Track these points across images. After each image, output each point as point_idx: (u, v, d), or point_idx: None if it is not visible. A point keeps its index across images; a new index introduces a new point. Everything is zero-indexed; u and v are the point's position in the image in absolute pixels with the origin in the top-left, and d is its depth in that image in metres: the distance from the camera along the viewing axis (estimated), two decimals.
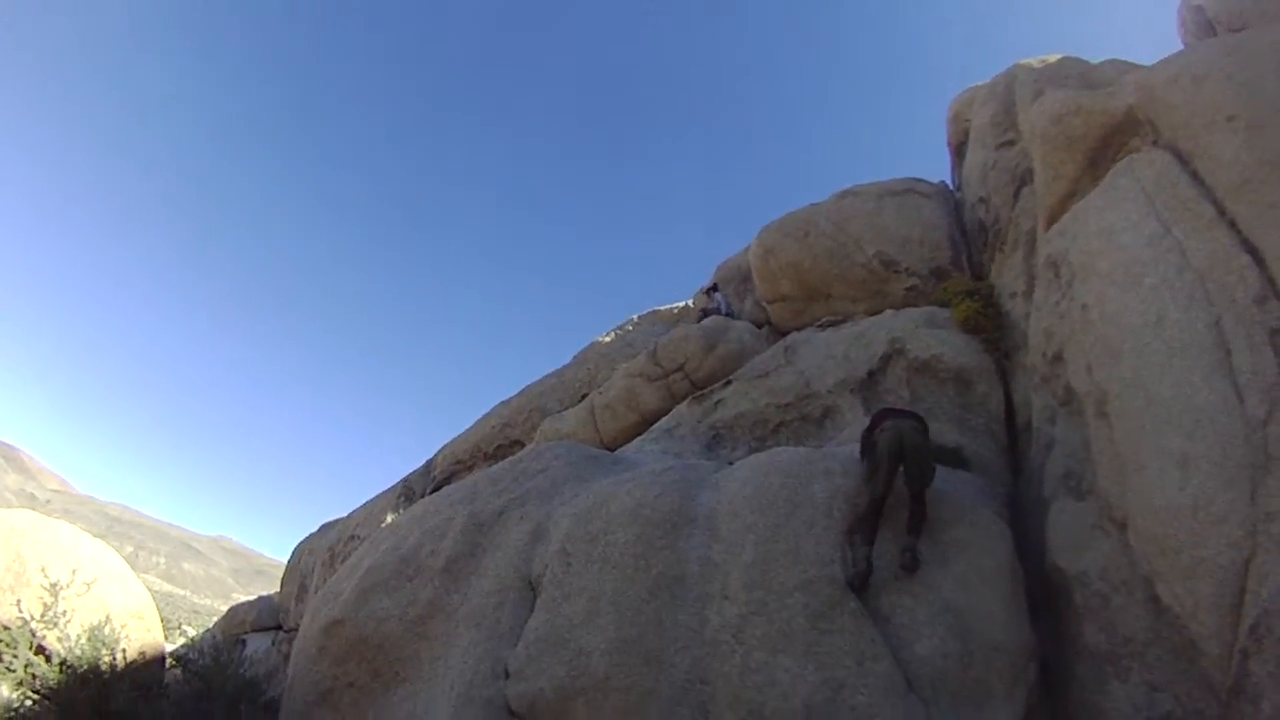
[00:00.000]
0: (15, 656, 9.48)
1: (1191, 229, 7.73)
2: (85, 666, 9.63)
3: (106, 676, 9.65)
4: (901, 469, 8.53)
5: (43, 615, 10.46)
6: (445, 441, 24.35)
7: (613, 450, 15.04)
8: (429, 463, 24.25)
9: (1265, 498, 6.20)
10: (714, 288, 21.93)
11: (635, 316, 26.12)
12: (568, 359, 24.47)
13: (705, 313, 20.61)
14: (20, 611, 10.46)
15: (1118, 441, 7.76)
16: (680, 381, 17.03)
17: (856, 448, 9.68)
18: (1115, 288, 8.36)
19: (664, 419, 15.65)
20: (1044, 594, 8.57)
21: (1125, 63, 12.62)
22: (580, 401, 20.11)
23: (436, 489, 19.98)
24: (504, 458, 16.54)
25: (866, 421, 9.79)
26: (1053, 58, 14.22)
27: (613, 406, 18.01)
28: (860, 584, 8.02)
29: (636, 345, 22.05)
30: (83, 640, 10.02)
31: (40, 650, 10.03)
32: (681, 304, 25.57)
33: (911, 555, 8.17)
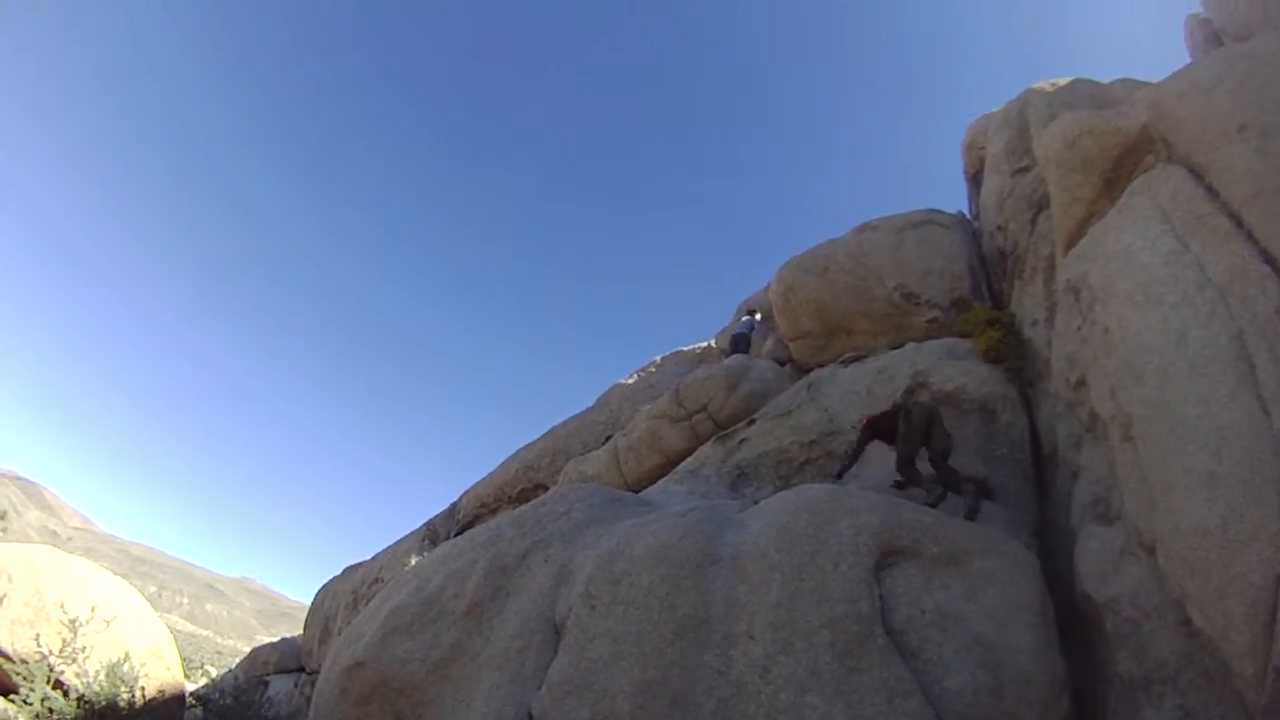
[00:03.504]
0: (33, 690, 9.52)
1: (1209, 243, 7.66)
2: (103, 703, 9.70)
3: (124, 713, 9.70)
4: (927, 447, 10.54)
5: (61, 650, 10.53)
6: (469, 485, 24.42)
7: (637, 492, 14.98)
8: (453, 506, 24.34)
9: None
10: (751, 312, 22.04)
11: (658, 358, 26.14)
12: (591, 402, 24.48)
13: (734, 342, 20.70)
14: (39, 646, 10.54)
15: (1144, 464, 7.63)
16: (704, 422, 16.97)
17: (884, 487, 10.10)
18: (1136, 309, 8.28)
19: (688, 460, 15.56)
20: (1074, 623, 8.43)
21: (1135, 81, 12.63)
22: (604, 444, 20.08)
23: (460, 532, 19.96)
24: (528, 500, 16.49)
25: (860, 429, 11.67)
26: (1064, 80, 14.24)
27: (636, 448, 17.96)
28: (939, 500, 10.04)
29: (659, 386, 22.04)
30: (101, 677, 10.09)
31: (58, 685, 10.12)
32: (704, 344, 25.58)
33: (939, 497, 10.20)
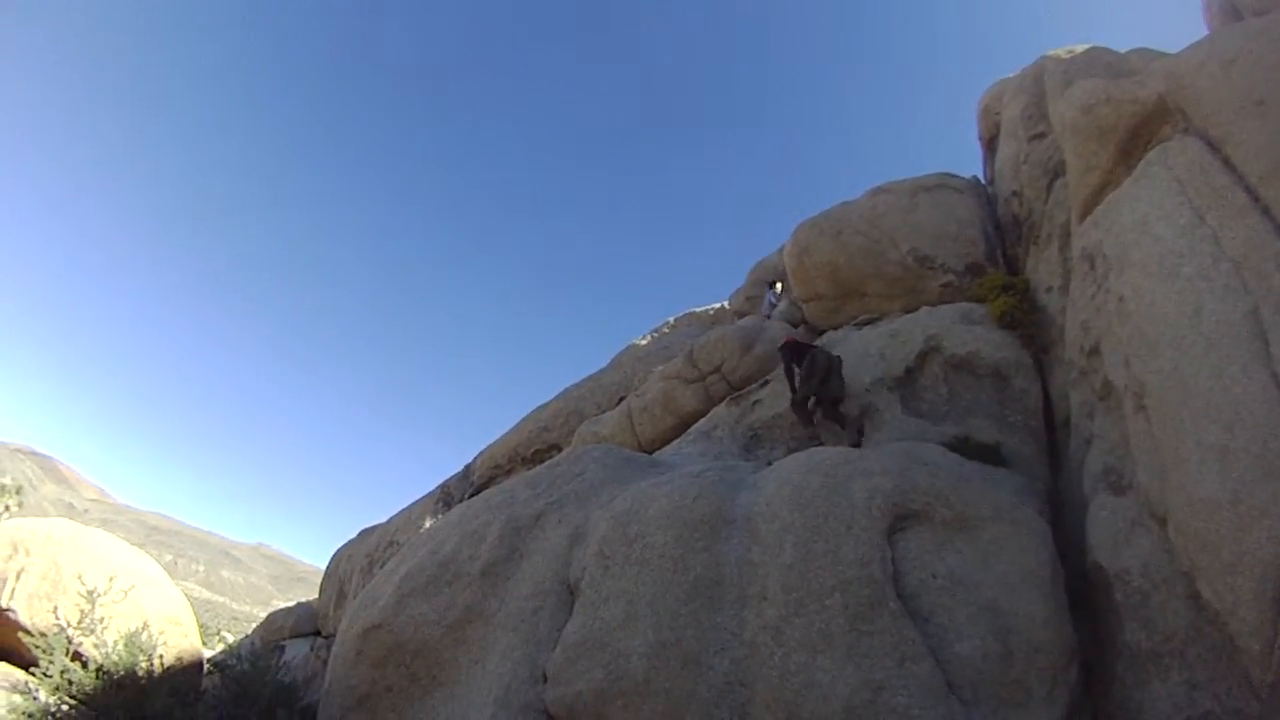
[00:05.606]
0: (52, 662, 9.66)
1: (1225, 217, 7.61)
2: (122, 672, 9.77)
3: (143, 682, 9.78)
4: (823, 385, 12.58)
5: (79, 622, 10.69)
6: (483, 446, 24.48)
7: (650, 453, 15.06)
8: (467, 467, 24.40)
9: None
10: (772, 284, 21.89)
11: (672, 318, 26.15)
12: (605, 362, 24.50)
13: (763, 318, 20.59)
14: (57, 618, 10.70)
15: (1157, 435, 7.64)
16: (717, 383, 17.04)
17: (894, 448, 10.05)
18: (1151, 279, 8.25)
19: (701, 421, 15.63)
20: (1084, 592, 8.47)
21: (1153, 51, 12.50)
22: (618, 404, 20.13)
23: (475, 493, 20.06)
24: (542, 462, 16.58)
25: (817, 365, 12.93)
26: (1080, 48, 14.10)
27: (650, 409, 18.03)
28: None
29: (673, 348, 22.05)
30: (119, 646, 10.17)
31: (77, 656, 10.22)
32: (718, 305, 25.54)
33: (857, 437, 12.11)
